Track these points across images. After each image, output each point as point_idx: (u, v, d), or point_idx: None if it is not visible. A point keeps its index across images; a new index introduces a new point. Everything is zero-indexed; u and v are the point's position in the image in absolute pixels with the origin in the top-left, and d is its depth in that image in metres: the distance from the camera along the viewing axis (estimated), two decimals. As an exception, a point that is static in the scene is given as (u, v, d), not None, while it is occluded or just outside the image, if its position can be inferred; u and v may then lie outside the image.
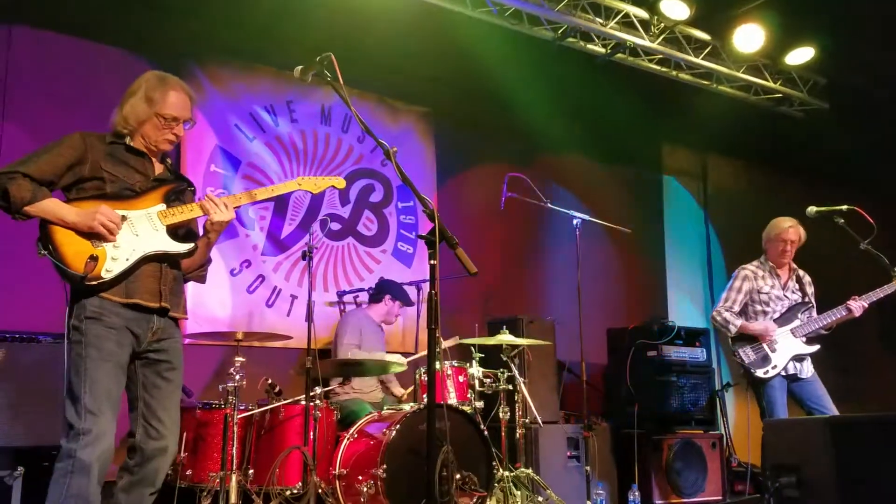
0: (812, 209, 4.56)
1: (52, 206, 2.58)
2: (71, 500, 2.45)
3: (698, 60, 6.45)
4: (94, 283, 2.56)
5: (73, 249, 2.56)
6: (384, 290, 5.18)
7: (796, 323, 4.61)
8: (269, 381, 4.20)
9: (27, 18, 4.78)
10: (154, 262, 2.72)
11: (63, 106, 4.79)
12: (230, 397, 3.85)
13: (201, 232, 2.97)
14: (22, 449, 3.59)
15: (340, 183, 3.19)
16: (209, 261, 3.03)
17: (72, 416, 2.50)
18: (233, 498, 3.72)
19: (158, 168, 2.88)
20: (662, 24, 6.12)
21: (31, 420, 3.65)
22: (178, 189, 2.86)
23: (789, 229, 4.69)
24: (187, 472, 4.01)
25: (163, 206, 2.77)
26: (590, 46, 6.13)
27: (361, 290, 5.73)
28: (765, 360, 4.52)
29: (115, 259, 2.60)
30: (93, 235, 2.59)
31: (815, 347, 4.60)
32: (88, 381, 2.52)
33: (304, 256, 4.26)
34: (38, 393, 3.67)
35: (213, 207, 2.81)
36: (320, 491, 3.81)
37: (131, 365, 2.71)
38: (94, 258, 2.55)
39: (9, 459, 3.58)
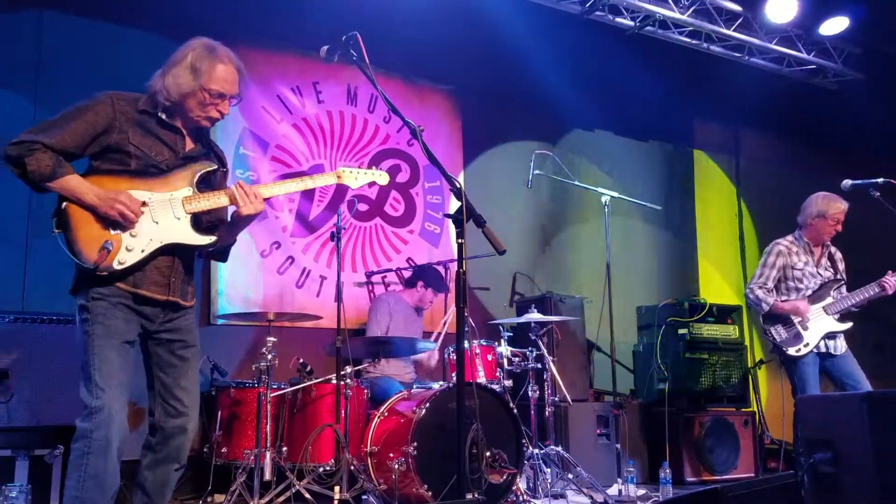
0: (847, 182, 4.46)
1: (72, 183, 2.44)
2: (90, 482, 2.39)
3: (729, 32, 6.32)
4: (105, 273, 2.45)
5: (88, 233, 2.44)
6: (418, 276, 5.21)
7: (828, 300, 4.55)
8: (301, 361, 4.26)
9: (57, 4, 4.84)
10: (168, 254, 2.58)
11: (94, 90, 4.82)
12: (263, 376, 3.90)
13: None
14: (62, 428, 3.67)
15: (384, 178, 2.99)
16: (234, 241, 2.86)
17: (84, 395, 2.44)
18: (267, 475, 3.79)
19: (190, 144, 2.69)
20: (692, -4, 6.00)
21: (70, 399, 3.70)
22: (207, 171, 2.68)
23: (845, 208, 4.56)
24: (222, 450, 4.10)
25: (188, 191, 2.60)
26: (618, 20, 6.04)
27: (389, 270, 5.76)
28: (796, 337, 4.47)
29: (131, 250, 2.48)
30: (110, 220, 2.46)
31: (848, 325, 4.54)
32: (97, 358, 2.45)
33: (332, 237, 4.29)
34: (77, 372, 3.74)
35: (243, 198, 2.62)
36: (352, 468, 3.86)
37: (145, 344, 2.64)
38: (107, 246, 2.43)
39: (49, 438, 3.67)
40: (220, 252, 2.85)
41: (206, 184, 2.71)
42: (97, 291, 2.48)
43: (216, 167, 2.74)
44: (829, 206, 4.59)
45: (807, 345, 4.45)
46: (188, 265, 2.69)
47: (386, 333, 4.83)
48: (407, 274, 5.48)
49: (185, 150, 2.67)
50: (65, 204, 2.45)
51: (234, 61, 2.66)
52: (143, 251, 2.51)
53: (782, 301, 4.56)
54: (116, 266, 2.46)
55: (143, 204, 2.52)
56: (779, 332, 4.52)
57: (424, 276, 5.18)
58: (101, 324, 2.47)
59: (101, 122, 2.52)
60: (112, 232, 2.48)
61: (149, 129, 2.59)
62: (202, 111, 2.63)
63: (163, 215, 2.56)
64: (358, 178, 2.93)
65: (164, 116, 2.63)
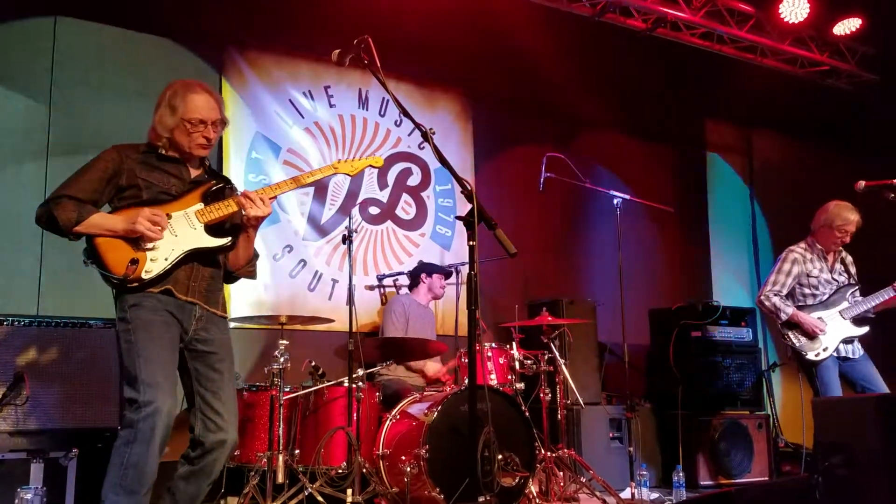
0: (862, 184, 4.42)
1: (99, 220, 2.68)
2: (130, 470, 2.51)
3: (742, 34, 6.30)
4: (135, 284, 2.65)
5: (115, 256, 2.66)
6: (417, 272, 5.29)
7: (844, 305, 4.52)
8: (313, 364, 4.27)
9: (71, 9, 4.87)
10: (190, 261, 2.77)
11: (107, 95, 4.88)
12: (275, 379, 3.92)
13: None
14: (76, 431, 3.69)
15: (378, 161, 3.20)
16: (256, 255, 3.05)
17: (131, 393, 2.56)
18: (280, 477, 3.80)
19: (195, 172, 2.92)
20: (704, -3, 5.98)
21: (85, 403, 3.75)
22: (215, 188, 2.89)
23: (855, 220, 4.52)
24: (235, 453, 4.10)
25: (200, 206, 2.81)
26: (629, 22, 6.03)
27: (401, 273, 5.76)
28: (815, 342, 4.45)
29: (155, 260, 2.69)
30: (136, 241, 2.67)
31: (865, 329, 4.51)
32: (141, 359, 2.59)
33: (344, 241, 4.30)
34: (92, 376, 3.76)
35: (249, 203, 2.81)
36: (364, 470, 3.87)
37: (182, 357, 2.76)
38: (134, 262, 2.65)
39: (64, 441, 3.69)
40: (245, 266, 3.00)
41: (217, 199, 2.89)
42: (132, 301, 2.67)
43: (224, 184, 2.94)
44: (836, 218, 4.53)
45: (825, 349, 4.43)
46: (212, 272, 2.86)
47: (406, 334, 4.84)
48: (406, 281, 5.50)
49: (190, 177, 2.89)
50: (92, 239, 2.66)
51: (209, 90, 2.90)
52: (166, 259, 2.71)
53: (799, 309, 4.52)
54: (144, 276, 2.66)
55: (167, 216, 2.72)
56: (797, 337, 4.49)
57: (422, 269, 5.25)
58: (142, 329, 2.64)
59: (111, 167, 2.78)
60: (136, 250, 2.68)
61: (153, 165, 2.84)
62: (189, 140, 2.83)
63: (180, 228, 2.77)
64: (354, 165, 3.13)
65: (163, 152, 2.85)
